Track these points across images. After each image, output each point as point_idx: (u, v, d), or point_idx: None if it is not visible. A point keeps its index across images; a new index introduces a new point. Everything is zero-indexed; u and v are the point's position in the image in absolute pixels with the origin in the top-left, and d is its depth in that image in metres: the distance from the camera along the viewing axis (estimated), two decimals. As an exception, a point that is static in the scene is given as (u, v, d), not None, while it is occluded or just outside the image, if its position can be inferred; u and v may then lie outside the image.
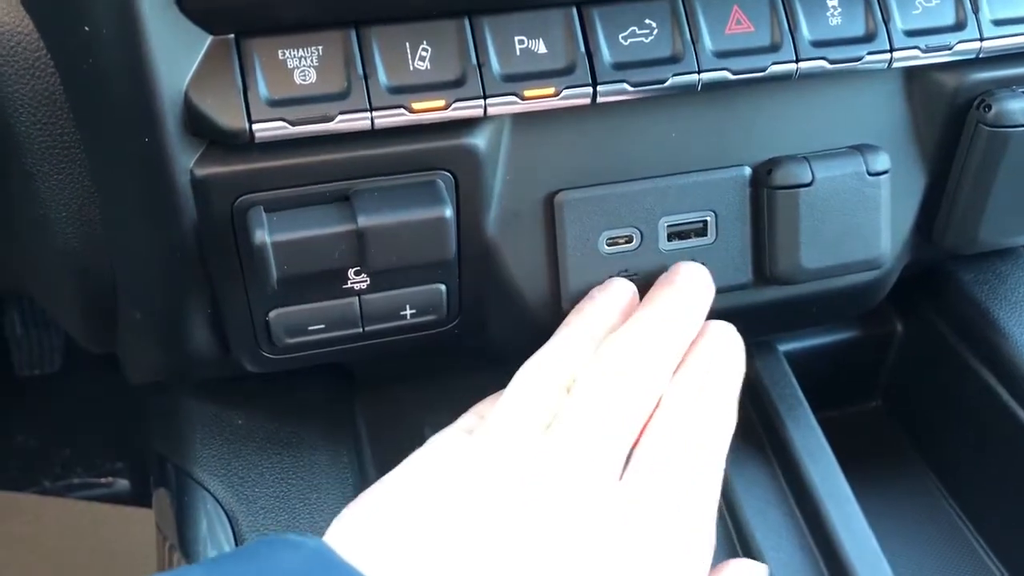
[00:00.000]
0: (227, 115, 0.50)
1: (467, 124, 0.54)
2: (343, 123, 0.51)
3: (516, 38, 0.54)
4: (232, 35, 0.50)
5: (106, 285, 0.60)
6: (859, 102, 0.62)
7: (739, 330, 0.75)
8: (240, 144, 0.51)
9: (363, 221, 0.52)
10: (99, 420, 1.23)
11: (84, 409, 1.24)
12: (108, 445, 1.22)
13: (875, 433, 0.89)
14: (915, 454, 0.86)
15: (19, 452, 1.22)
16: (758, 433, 0.76)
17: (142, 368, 0.66)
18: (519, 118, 0.56)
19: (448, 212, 0.54)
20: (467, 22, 0.53)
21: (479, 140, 0.55)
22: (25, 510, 1.16)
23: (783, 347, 0.81)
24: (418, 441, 0.73)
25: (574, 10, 0.55)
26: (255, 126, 0.50)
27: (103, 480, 1.22)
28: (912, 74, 0.62)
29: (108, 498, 1.20)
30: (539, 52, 0.54)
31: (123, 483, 1.22)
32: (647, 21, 0.55)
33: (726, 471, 0.74)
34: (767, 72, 0.57)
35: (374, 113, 0.51)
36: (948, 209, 0.67)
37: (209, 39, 0.50)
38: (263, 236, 0.51)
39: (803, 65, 0.57)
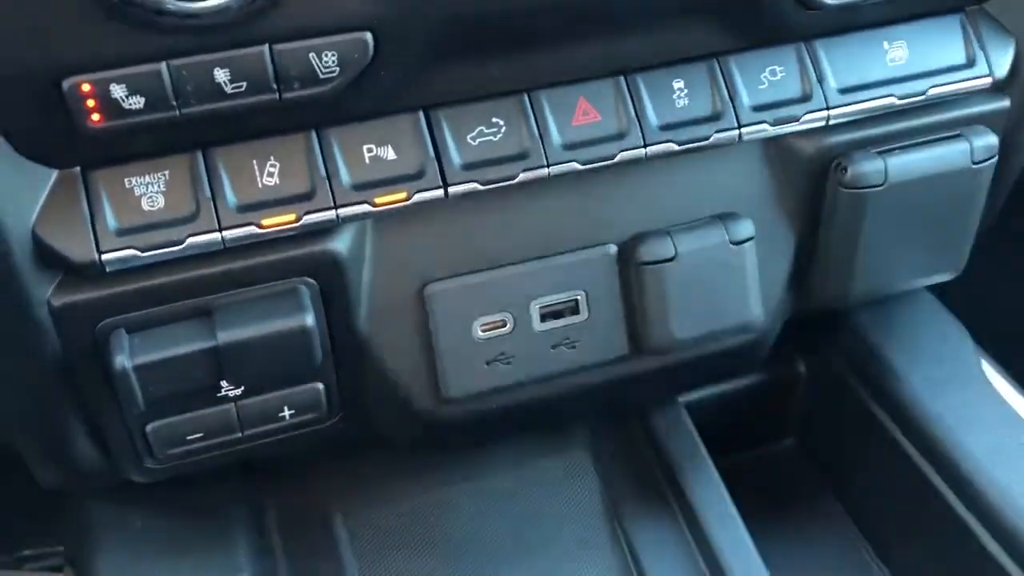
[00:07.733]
0: (76, 248, 0.50)
1: (325, 230, 0.55)
2: (193, 245, 0.52)
3: (365, 147, 0.55)
4: (78, 168, 0.51)
5: None
6: (720, 173, 0.63)
7: (625, 399, 0.76)
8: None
9: (223, 337, 0.53)
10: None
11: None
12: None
13: (789, 472, 0.90)
14: (827, 491, 0.87)
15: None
16: (664, 492, 0.77)
17: (42, 478, 0.66)
18: (380, 217, 0.57)
19: (309, 320, 0.55)
20: (315, 135, 0.54)
21: (339, 244, 0.56)
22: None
23: (686, 399, 0.83)
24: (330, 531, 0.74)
25: (421, 114, 0.56)
26: (105, 256, 0.51)
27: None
28: (769, 142, 0.63)
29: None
30: (388, 159, 0.55)
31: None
32: (495, 120, 0.56)
33: (635, 534, 0.75)
34: (616, 159, 0.58)
35: (224, 232, 0.52)
36: (820, 267, 0.68)
37: (55, 174, 0.51)
38: (123, 361, 0.52)
39: (652, 149, 0.59)
